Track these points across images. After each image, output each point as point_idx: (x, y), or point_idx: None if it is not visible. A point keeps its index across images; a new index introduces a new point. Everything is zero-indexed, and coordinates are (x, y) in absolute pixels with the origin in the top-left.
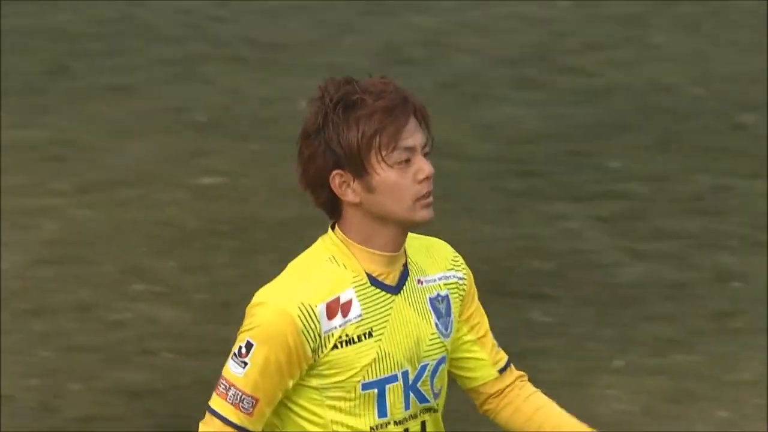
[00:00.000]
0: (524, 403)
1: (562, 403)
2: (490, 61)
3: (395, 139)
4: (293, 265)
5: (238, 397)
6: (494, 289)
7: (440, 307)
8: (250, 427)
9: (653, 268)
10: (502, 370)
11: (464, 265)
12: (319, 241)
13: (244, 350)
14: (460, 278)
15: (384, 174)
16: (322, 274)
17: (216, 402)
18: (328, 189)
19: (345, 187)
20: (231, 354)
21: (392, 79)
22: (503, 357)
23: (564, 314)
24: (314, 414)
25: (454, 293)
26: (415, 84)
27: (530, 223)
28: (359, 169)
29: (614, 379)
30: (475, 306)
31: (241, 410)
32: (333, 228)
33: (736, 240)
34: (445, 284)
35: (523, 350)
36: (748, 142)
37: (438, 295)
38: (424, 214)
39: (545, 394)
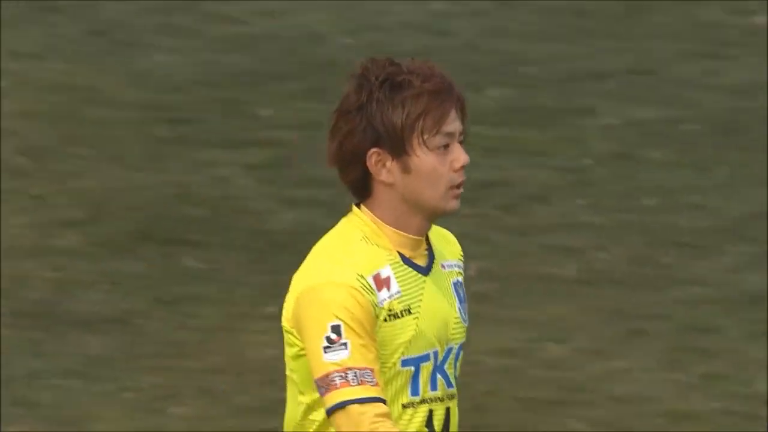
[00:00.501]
0: None
1: (216, 349)
2: (139, 8)
3: (439, 123)
4: (326, 246)
5: (359, 374)
6: (145, 236)
7: (460, 292)
8: (383, 396)
9: (304, 215)
10: None
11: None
12: (345, 221)
13: (334, 336)
14: (463, 270)
15: (423, 157)
16: (359, 251)
17: (340, 395)
18: (362, 166)
19: (380, 166)
20: (320, 350)
21: (435, 63)
22: None
23: (216, 261)
24: None
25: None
26: (61, 32)
27: (181, 170)
28: (399, 149)
29: (267, 324)
30: None
31: (369, 384)
32: (358, 207)
33: None
34: (458, 272)
35: (176, 297)
36: None
37: (458, 280)
38: (453, 204)
39: (199, 340)
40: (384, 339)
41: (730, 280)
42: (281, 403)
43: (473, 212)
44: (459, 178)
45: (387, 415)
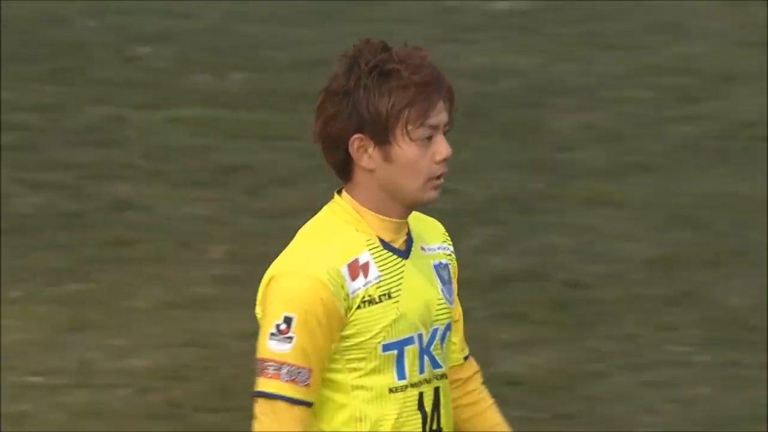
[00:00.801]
0: (488, 412)
1: None
2: None
3: (424, 115)
4: (306, 233)
5: (293, 372)
6: None
7: (443, 274)
8: (310, 399)
9: (48, 198)
10: (466, 358)
11: (451, 243)
12: (327, 208)
13: (283, 326)
14: (452, 252)
15: (405, 147)
16: (337, 237)
17: (270, 385)
18: (344, 150)
19: (362, 152)
20: (267, 334)
21: (427, 51)
22: (466, 346)
23: None
24: (334, 380)
25: (451, 264)
26: None
27: None
28: (382, 137)
29: (10, 308)
30: (456, 288)
31: (299, 384)
32: (339, 194)
33: (131, 170)
34: (443, 254)
35: None
36: (142, 74)
37: (440, 262)
38: (431, 194)
39: None
40: (362, 325)
41: (475, 262)
42: (21, 387)
43: (218, 196)
44: (439, 170)
45: (303, 422)
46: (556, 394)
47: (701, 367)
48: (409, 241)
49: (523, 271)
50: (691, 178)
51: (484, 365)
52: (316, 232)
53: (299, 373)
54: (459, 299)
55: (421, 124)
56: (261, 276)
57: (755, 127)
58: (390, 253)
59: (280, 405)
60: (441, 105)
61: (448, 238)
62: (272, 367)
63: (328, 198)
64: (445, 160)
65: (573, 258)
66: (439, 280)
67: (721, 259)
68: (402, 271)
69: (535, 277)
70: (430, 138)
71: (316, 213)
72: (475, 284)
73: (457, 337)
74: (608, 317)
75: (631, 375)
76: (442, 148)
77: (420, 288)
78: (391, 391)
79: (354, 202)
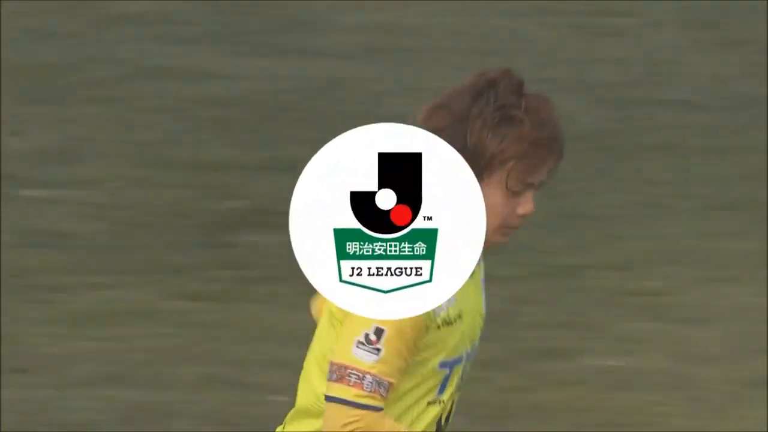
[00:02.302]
0: None
1: None
2: None
3: (528, 174)
4: None
5: (376, 383)
6: None
7: (485, 287)
8: (385, 408)
9: None
10: None
11: None
12: None
13: (373, 336)
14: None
15: (495, 192)
16: None
17: (350, 393)
18: None
19: None
20: (353, 340)
21: (553, 105)
22: None
23: None
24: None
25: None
26: None
27: None
28: (476, 172)
29: None
30: None
31: (380, 395)
32: None
33: None
34: (483, 263)
35: None
36: None
37: (485, 274)
38: (500, 239)
39: None
40: (434, 343)
41: None
42: None
43: None
44: (516, 222)
45: (377, 423)
46: None
47: None
48: None
49: None
50: None
51: None
52: None
53: (381, 384)
54: None
55: (521, 181)
56: None
57: None
58: None
59: (360, 413)
60: (548, 166)
61: None
62: (354, 377)
63: None
64: (527, 215)
65: None
66: (484, 293)
67: None
68: (468, 289)
69: None
70: (521, 191)
71: None
72: None
73: None
74: None
75: None
76: (528, 205)
77: (476, 305)
78: (429, 403)
79: None
